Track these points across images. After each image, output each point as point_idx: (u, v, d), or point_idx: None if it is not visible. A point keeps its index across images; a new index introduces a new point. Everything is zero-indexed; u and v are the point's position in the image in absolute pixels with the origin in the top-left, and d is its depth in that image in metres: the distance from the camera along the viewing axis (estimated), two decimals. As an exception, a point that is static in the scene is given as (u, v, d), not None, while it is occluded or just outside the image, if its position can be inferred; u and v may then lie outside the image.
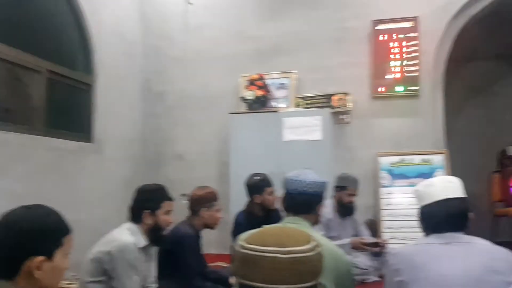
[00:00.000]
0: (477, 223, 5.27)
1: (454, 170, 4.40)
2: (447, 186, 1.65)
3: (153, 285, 2.39)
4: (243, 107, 4.91)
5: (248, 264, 0.90)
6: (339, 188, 3.78)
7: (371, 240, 3.72)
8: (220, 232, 4.02)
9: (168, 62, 5.39)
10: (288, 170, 4.38)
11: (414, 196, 1.74)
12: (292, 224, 1.71)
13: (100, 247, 2.20)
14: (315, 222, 1.86)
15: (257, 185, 3.25)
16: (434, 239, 1.60)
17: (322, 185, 1.85)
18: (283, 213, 1.97)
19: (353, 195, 3.78)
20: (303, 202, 1.80)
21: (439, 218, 1.60)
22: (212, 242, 4.63)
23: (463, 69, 5.90)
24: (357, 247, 3.60)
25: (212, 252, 4.58)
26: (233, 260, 1.03)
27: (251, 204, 3.29)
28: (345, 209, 3.77)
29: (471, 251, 1.52)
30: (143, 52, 5.41)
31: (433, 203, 1.62)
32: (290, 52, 5.03)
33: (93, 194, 4.29)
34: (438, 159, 4.43)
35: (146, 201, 2.29)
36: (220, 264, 4.09)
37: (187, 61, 5.33)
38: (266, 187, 3.25)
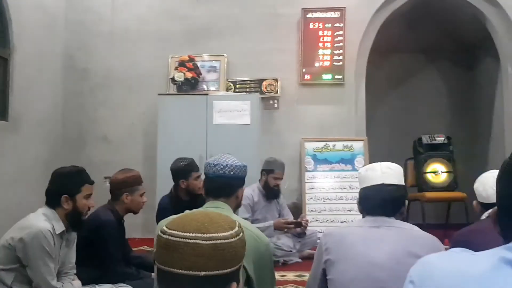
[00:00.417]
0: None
1: (373, 156, 4.64)
2: (386, 172, 1.71)
3: (72, 271, 2.30)
4: (172, 89, 4.82)
5: (168, 250, 0.88)
6: (266, 171, 3.86)
7: (294, 220, 3.85)
8: (145, 216, 3.96)
9: (93, 39, 5.13)
10: (217, 153, 4.41)
11: (359, 178, 1.80)
12: (213, 208, 1.70)
13: (12, 233, 2.08)
14: (236, 206, 1.86)
15: (183, 170, 3.21)
16: (365, 222, 1.68)
17: (242, 168, 1.83)
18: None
19: (279, 178, 3.88)
20: (223, 185, 1.79)
21: (373, 201, 1.68)
22: (138, 226, 4.56)
23: (385, 60, 6.21)
24: (280, 228, 3.71)
25: (138, 236, 4.51)
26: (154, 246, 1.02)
27: (176, 188, 3.25)
28: (271, 192, 3.87)
29: (398, 235, 1.59)
30: (66, 26, 5.10)
31: (371, 187, 1.70)
32: (222, 35, 5.00)
33: (7, 176, 4.02)
34: (359, 146, 4.66)
35: (64, 185, 2.18)
36: (144, 249, 4.05)
37: (114, 39, 5.12)
38: (192, 171, 3.21)
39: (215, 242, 0.88)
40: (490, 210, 1.92)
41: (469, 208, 4.61)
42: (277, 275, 3.20)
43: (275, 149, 4.67)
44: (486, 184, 1.94)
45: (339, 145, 4.67)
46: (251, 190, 3.77)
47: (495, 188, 1.87)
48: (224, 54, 4.94)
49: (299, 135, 4.80)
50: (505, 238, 0.82)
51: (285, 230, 3.77)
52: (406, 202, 1.74)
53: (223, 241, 0.89)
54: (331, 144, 4.69)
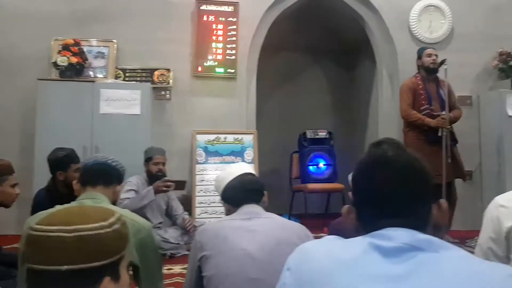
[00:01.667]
0: (280, 198, 5.81)
1: (261, 149, 4.82)
2: (244, 166, 1.90)
3: None
4: (54, 74, 4.48)
5: (30, 246, 0.85)
6: (146, 160, 3.85)
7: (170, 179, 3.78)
8: (20, 211, 3.66)
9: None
10: (103, 145, 4.24)
11: (218, 181, 1.89)
12: (88, 200, 1.67)
13: None
14: (113, 198, 1.83)
15: (61, 161, 3.00)
16: (237, 215, 1.73)
17: (123, 168, 1.87)
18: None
19: (160, 162, 3.85)
20: (102, 172, 1.78)
21: (237, 188, 1.78)
22: (12, 222, 4.19)
23: (276, 57, 6.43)
24: (159, 188, 3.64)
25: (11, 233, 4.15)
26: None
27: (53, 181, 3.04)
28: (155, 180, 3.80)
29: (268, 225, 1.67)
30: None
31: (233, 179, 1.81)
32: (111, 20, 4.77)
33: None
34: (249, 139, 4.80)
35: None
36: (19, 246, 3.73)
37: (-14, 15, 4.60)
38: (72, 163, 3.01)
39: (80, 234, 0.84)
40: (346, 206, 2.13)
41: (346, 198, 5.01)
42: (164, 269, 3.18)
43: (166, 140, 4.61)
44: None
45: (230, 137, 4.76)
46: (136, 178, 3.76)
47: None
48: (114, 40, 4.73)
49: (191, 127, 4.78)
50: (365, 229, 0.91)
51: (164, 188, 3.67)
52: (266, 192, 1.85)
53: (89, 232, 0.85)
54: (222, 136, 4.76)
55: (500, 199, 1.69)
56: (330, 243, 0.95)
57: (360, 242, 0.88)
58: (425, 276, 0.80)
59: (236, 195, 1.77)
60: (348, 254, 0.87)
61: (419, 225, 0.88)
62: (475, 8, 5.22)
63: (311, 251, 0.95)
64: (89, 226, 0.86)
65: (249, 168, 1.91)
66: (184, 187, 3.86)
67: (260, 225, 1.66)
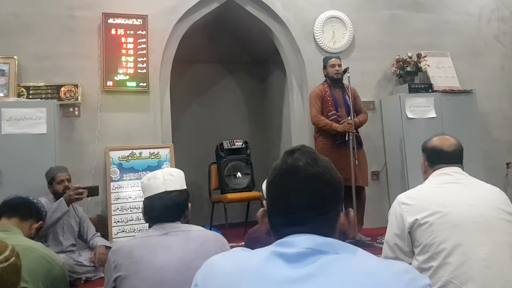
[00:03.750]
0: (201, 209, 5.82)
1: (179, 162, 4.78)
2: (168, 179, 1.76)
3: None
4: None
5: None
6: (49, 182, 3.67)
7: (84, 186, 3.58)
8: None
9: None
10: (7, 167, 3.97)
11: (142, 187, 1.82)
12: (0, 233, 1.56)
13: None
14: (29, 233, 1.75)
15: None
16: (153, 231, 1.68)
17: (44, 209, 1.92)
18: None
19: (65, 179, 3.67)
20: (21, 205, 1.74)
21: (157, 210, 1.70)
22: None
23: (189, 69, 6.44)
24: (70, 198, 3.42)
25: None
26: None
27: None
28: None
29: (186, 239, 1.64)
30: None
31: (154, 196, 1.73)
32: (11, 35, 4.49)
33: None
34: (165, 153, 4.73)
35: None
36: None
37: None
38: None
39: None
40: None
41: (264, 206, 5.12)
42: (80, 294, 3.04)
43: (76, 159, 4.42)
44: None
45: (146, 152, 4.67)
46: (44, 198, 3.55)
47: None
48: (14, 57, 4.44)
49: (104, 143, 4.62)
50: (274, 234, 0.96)
51: (76, 196, 3.43)
52: (189, 204, 1.83)
53: None
54: (137, 152, 4.65)
55: (402, 197, 1.83)
56: (236, 255, 0.97)
57: (264, 251, 0.91)
58: (326, 277, 0.83)
59: (155, 215, 1.72)
60: (252, 263, 0.89)
61: (323, 232, 0.91)
62: (372, 18, 5.64)
63: (217, 264, 0.96)
64: None
65: (175, 180, 1.79)
66: (98, 193, 3.68)
67: (177, 240, 1.62)
